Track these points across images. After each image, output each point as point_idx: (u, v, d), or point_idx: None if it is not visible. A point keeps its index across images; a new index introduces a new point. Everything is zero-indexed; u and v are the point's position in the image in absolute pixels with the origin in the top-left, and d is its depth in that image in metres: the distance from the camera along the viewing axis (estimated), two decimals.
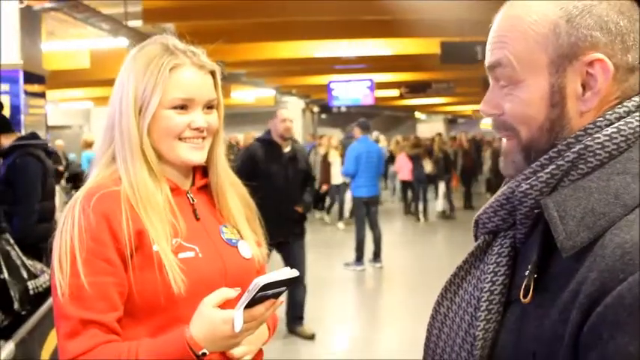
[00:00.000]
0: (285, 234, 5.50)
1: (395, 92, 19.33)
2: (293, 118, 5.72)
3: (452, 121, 36.53)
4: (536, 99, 0.95)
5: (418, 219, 13.66)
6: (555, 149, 0.94)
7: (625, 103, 0.94)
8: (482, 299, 0.97)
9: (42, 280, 3.19)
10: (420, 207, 13.77)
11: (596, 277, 0.83)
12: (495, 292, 0.97)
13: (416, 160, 13.82)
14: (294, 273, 1.35)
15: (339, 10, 8.68)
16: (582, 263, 0.87)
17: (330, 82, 16.64)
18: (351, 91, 16.59)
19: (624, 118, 0.93)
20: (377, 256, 9.01)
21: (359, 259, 8.88)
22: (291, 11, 8.65)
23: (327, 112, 23.03)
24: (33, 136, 4.42)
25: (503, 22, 0.99)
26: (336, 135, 17.91)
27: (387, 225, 11.04)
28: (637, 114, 0.93)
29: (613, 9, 0.94)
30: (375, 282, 8.70)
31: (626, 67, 0.93)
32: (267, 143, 5.62)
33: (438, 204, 14.37)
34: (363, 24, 9.99)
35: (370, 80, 16.39)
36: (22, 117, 5.93)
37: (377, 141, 11.95)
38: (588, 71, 0.93)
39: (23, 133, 5.01)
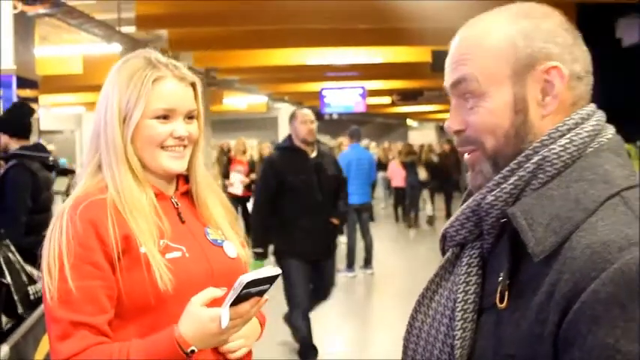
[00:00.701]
0: (321, 252, 4.91)
1: (387, 100, 19.40)
2: (314, 119, 5.01)
3: (443, 128, 36.67)
4: (501, 108, 1.03)
5: (410, 225, 13.74)
6: (516, 161, 1.01)
7: (572, 116, 1.02)
8: (457, 309, 1.02)
9: (40, 286, 3.19)
10: (412, 214, 13.85)
11: (569, 278, 0.90)
12: (469, 301, 1.02)
13: (410, 167, 13.90)
14: (277, 271, 1.40)
15: (332, 18, 8.73)
16: (552, 266, 0.93)
17: (322, 90, 16.67)
18: (343, 98, 16.61)
19: (574, 129, 1.01)
20: (368, 262, 9.05)
21: (350, 265, 8.92)
22: (284, 19, 8.69)
23: (319, 119, 22.94)
24: (36, 147, 4.36)
25: (463, 42, 1.08)
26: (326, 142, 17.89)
27: (377, 231, 11.07)
28: (584, 125, 1.02)
29: (559, 26, 1.04)
30: (365, 288, 8.73)
31: (575, 76, 1.03)
32: (290, 151, 4.89)
33: (428, 209, 14.46)
34: (355, 32, 10.04)
35: (362, 88, 16.43)
36: None
37: (367, 148, 11.97)
38: (546, 79, 1.02)
39: None
